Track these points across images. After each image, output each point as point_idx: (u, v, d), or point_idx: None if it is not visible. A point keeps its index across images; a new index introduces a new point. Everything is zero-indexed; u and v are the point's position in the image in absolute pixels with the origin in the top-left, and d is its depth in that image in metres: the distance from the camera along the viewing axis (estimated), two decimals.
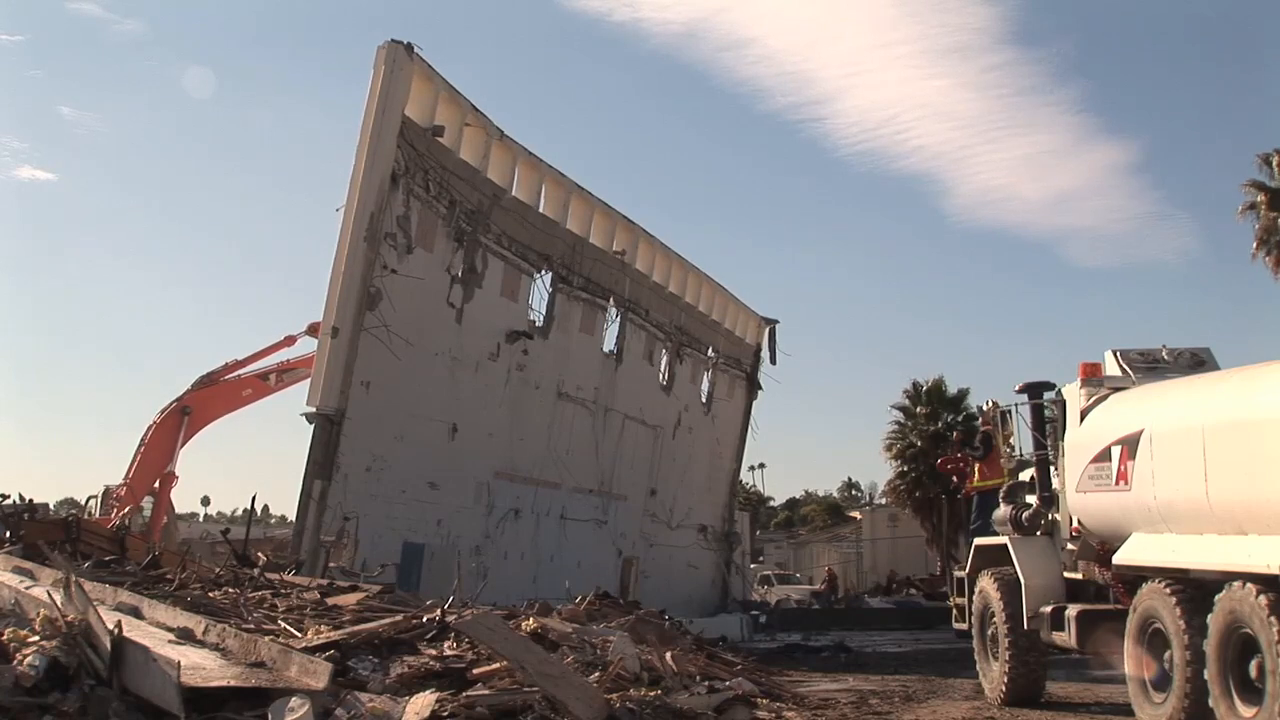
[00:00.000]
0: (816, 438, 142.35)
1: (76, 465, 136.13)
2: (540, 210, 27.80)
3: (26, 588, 9.42)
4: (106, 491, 29.24)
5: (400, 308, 21.83)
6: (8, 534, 15.14)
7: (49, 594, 8.36)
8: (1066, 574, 13.47)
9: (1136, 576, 11.47)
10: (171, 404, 29.12)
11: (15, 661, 7.29)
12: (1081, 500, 12.89)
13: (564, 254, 28.80)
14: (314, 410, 20.68)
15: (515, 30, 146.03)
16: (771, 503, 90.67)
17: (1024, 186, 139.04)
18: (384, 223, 21.52)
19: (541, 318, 28.39)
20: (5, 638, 7.71)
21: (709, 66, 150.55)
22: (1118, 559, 11.83)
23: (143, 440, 28.89)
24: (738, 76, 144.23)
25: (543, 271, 28.20)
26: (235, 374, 29.93)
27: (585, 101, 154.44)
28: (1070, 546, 13.38)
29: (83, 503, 30.15)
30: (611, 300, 31.35)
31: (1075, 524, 13.29)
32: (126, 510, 27.25)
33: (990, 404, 17.04)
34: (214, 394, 29.71)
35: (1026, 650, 13.73)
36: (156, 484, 29.18)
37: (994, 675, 14.32)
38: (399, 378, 22.22)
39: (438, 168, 23.43)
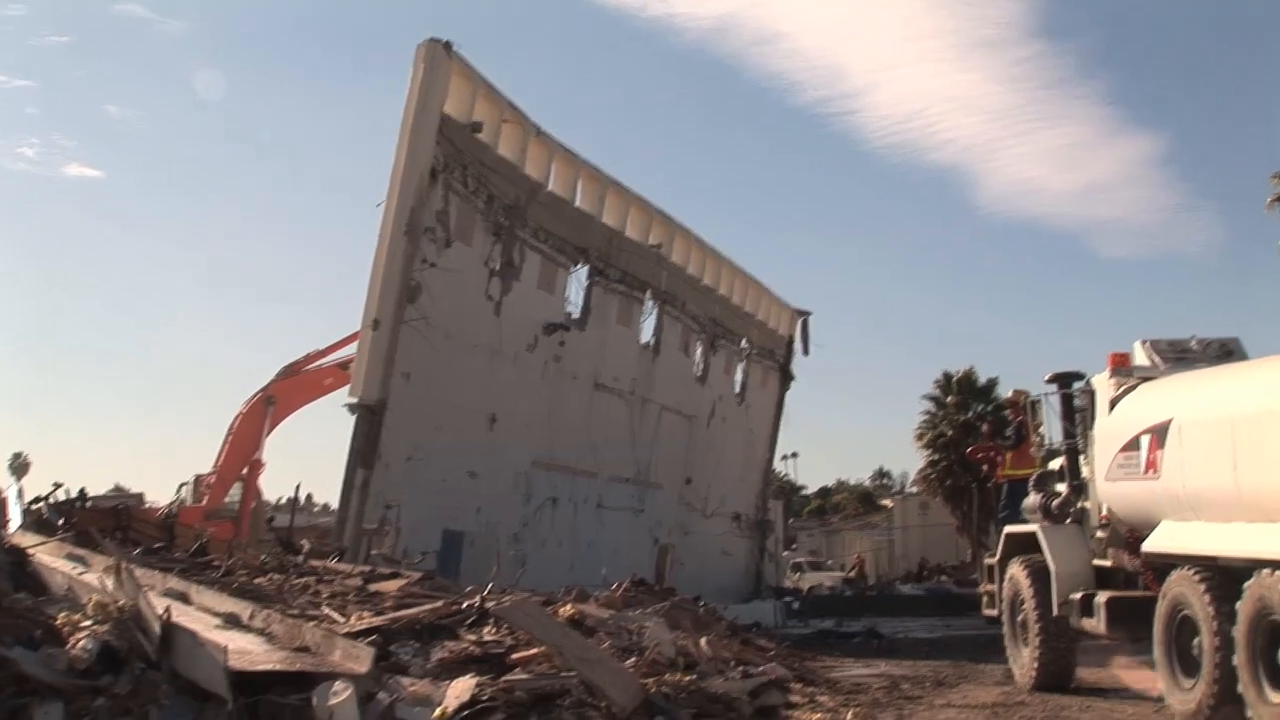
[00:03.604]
0: (848, 427, 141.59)
1: (122, 455, 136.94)
2: (577, 205, 27.96)
3: (79, 574, 9.41)
4: (197, 480, 29.97)
5: (440, 300, 22.04)
6: (60, 522, 15.37)
7: (100, 580, 8.36)
8: (1096, 561, 13.53)
9: (1165, 564, 11.52)
10: (257, 394, 29.72)
11: (69, 645, 7.29)
12: (1111, 488, 12.94)
13: (601, 247, 28.96)
14: (356, 401, 20.98)
15: (546, 27, 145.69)
16: (804, 491, 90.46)
17: (1053, 178, 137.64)
18: (423, 217, 21.73)
19: (579, 310, 28.55)
20: (59, 622, 7.69)
21: (740, 61, 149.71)
22: (1147, 546, 11.88)
23: (230, 429, 29.56)
24: (769, 70, 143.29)
25: (579, 264, 28.37)
26: (316, 364, 30.37)
27: (616, 97, 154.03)
28: (1099, 534, 13.45)
29: (175, 491, 30.79)
30: (649, 293, 31.50)
31: (1104, 512, 13.35)
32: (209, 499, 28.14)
33: (1015, 393, 17.10)
34: (297, 384, 30.19)
35: (1056, 636, 13.82)
36: (245, 470, 29.85)
37: (1024, 661, 14.41)
38: (438, 369, 22.46)
39: (476, 163, 23.61)
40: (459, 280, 22.97)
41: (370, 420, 20.74)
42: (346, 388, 22.37)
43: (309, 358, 30.43)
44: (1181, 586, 10.93)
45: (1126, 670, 14.45)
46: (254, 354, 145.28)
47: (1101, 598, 12.82)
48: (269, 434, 29.79)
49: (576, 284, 28.61)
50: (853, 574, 49.10)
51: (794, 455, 76.17)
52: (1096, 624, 12.86)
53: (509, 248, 25.12)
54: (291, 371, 30.23)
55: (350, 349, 30.04)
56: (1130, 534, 12.67)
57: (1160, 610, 11.30)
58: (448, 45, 22.00)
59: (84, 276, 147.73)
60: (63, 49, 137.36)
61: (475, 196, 23.79)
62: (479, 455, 24.21)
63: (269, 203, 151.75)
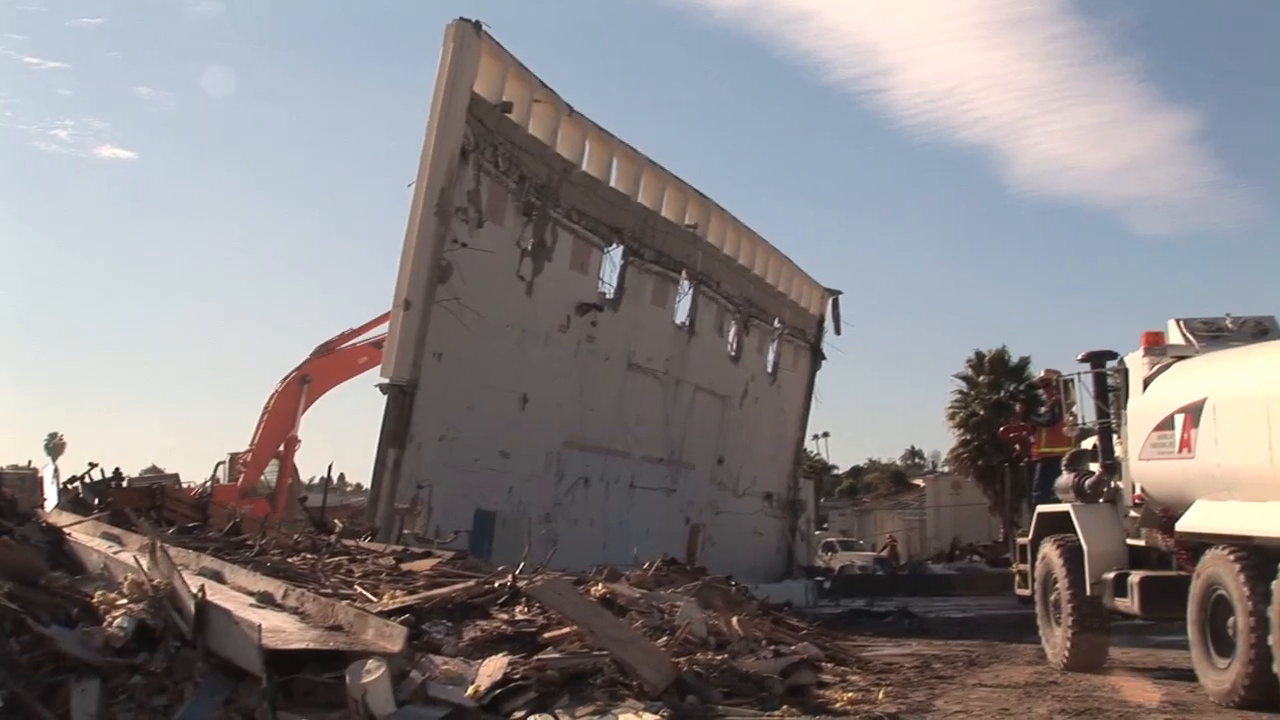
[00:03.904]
0: (880, 406, 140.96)
1: (156, 436, 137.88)
2: (611, 184, 27.89)
3: (115, 553, 9.53)
4: (233, 458, 30.30)
5: (471, 280, 22.06)
6: (96, 501, 15.50)
7: (136, 559, 8.42)
8: (1129, 541, 13.43)
9: (1200, 543, 11.42)
10: (292, 373, 30.06)
11: (105, 623, 7.44)
12: (1144, 468, 12.85)
13: (635, 227, 28.90)
14: (388, 381, 21.07)
15: (574, 6, 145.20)
16: (835, 471, 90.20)
17: (1086, 156, 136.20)
18: (454, 197, 21.75)
19: (612, 290, 28.53)
20: (95, 600, 7.85)
21: (771, 39, 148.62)
22: (1181, 526, 11.79)
23: (266, 408, 29.88)
24: (800, 49, 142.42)
25: (613, 245, 28.33)
26: (350, 343, 30.59)
27: (647, 75, 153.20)
28: (1133, 514, 13.36)
29: (211, 469, 31.21)
30: (683, 273, 31.43)
31: (1138, 491, 13.25)
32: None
33: (1047, 372, 17.00)
34: (331, 362, 30.48)
35: (1089, 616, 13.70)
36: (282, 448, 30.15)
37: (1057, 641, 14.33)
38: (470, 349, 22.50)
39: (507, 143, 23.59)
40: (490, 260, 22.99)
41: (401, 400, 20.84)
42: (379, 367, 22.49)
43: (343, 336, 30.68)
44: (1216, 566, 10.85)
45: (1160, 650, 14.38)
46: (287, 334, 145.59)
47: (1135, 577, 12.75)
48: (304, 412, 30.12)
49: (610, 264, 28.59)
50: (885, 553, 49.03)
51: (825, 435, 75.73)
52: (1130, 604, 12.77)
53: (541, 228, 25.11)
54: (326, 350, 30.49)
55: (384, 328, 30.29)
56: (1164, 513, 12.58)
57: (1194, 590, 11.22)
58: (477, 25, 21.98)
59: (117, 258, 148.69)
60: (95, 31, 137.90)
61: (506, 176, 23.78)
62: (511, 435, 24.27)
63: (301, 184, 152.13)
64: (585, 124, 26.54)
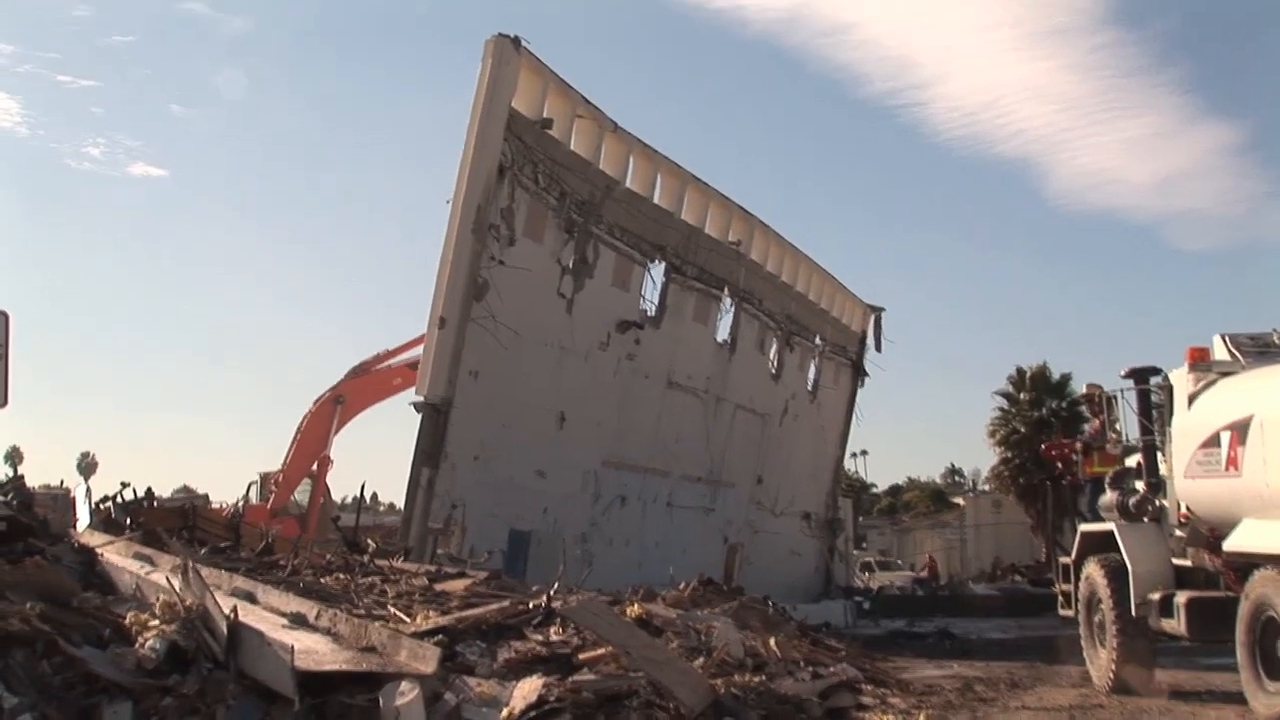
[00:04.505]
0: (919, 423, 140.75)
1: (189, 456, 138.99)
2: (655, 201, 27.71)
3: (146, 573, 9.57)
4: (265, 477, 30.37)
5: (508, 298, 21.92)
6: (128, 521, 15.55)
7: (168, 579, 8.45)
8: (1175, 560, 13.28)
9: (1248, 563, 11.27)
10: (326, 393, 30.12)
11: (137, 644, 7.43)
12: (1190, 486, 12.70)
13: (678, 244, 28.65)
14: (422, 399, 21.00)
15: (608, 18, 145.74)
16: (874, 489, 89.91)
17: (1128, 169, 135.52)
18: (490, 214, 21.65)
19: (654, 307, 28.36)
20: (127, 621, 7.85)
21: (808, 52, 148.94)
22: (1228, 545, 11.63)
23: (299, 428, 29.93)
24: (837, 62, 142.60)
25: (656, 261, 28.18)
26: (386, 364, 30.64)
27: (682, 88, 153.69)
28: (1179, 533, 13.21)
29: (244, 489, 31.34)
30: (726, 290, 31.22)
31: (1184, 510, 13.13)
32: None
33: (1089, 387, 16.82)
34: (366, 383, 30.55)
35: (1135, 638, 13.53)
36: (315, 466, 30.23)
37: (1101, 663, 14.15)
38: (507, 367, 22.37)
39: (547, 160, 23.41)
40: (529, 278, 22.83)
41: (436, 419, 20.74)
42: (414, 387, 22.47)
43: (379, 357, 30.74)
44: (1265, 587, 10.67)
45: (1208, 673, 14.16)
46: (320, 354, 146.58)
47: (1181, 598, 12.59)
48: (337, 433, 30.13)
49: (652, 281, 28.38)
50: (924, 574, 48.69)
51: (863, 453, 75.60)
52: (1176, 625, 12.62)
53: (582, 245, 24.94)
54: (361, 371, 30.56)
55: (420, 350, 30.32)
56: (1211, 532, 12.40)
57: (1243, 611, 11.05)
58: (516, 41, 21.83)
59: (150, 278, 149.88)
60: (127, 49, 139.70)
61: (547, 193, 23.60)
62: (547, 454, 24.15)
63: (336, 201, 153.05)
64: (629, 140, 26.34)
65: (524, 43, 22.04)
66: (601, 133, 25.24)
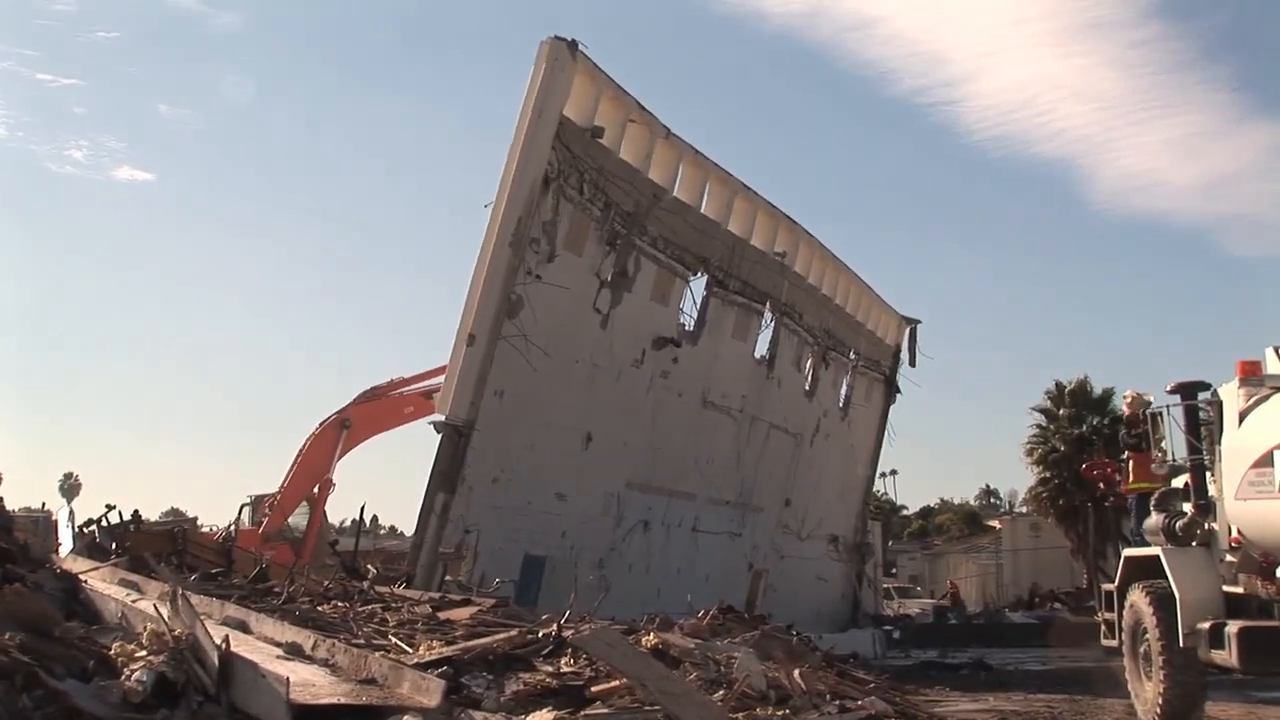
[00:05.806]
0: (952, 441, 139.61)
1: (174, 473, 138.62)
2: (702, 210, 27.15)
3: (133, 601, 9.48)
4: (257, 500, 30.02)
5: (542, 315, 21.39)
6: (113, 546, 15.34)
7: (156, 607, 8.32)
8: (1225, 588, 12.86)
9: None
10: (332, 416, 29.79)
11: (123, 677, 7.20)
12: (1242, 509, 12.34)
13: (723, 256, 28.11)
14: (443, 419, 20.51)
15: (631, 13, 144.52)
16: (904, 511, 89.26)
17: (1174, 171, 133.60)
18: (530, 227, 21.07)
19: (692, 322, 27.79)
20: (113, 652, 7.68)
21: (832, 48, 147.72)
22: None
23: (301, 451, 29.59)
24: (864, 58, 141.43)
25: (698, 274, 27.62)
26: (399, 391, 30.35)
27: (701, 84, 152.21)
28: (1230, 558, 12.83)
29: (235, 512, 31.05)
30: (768, 304, 30.64)
31: (1235, 534, 12.76)
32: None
33: (1133, 397, 16.34)
34: (376, 409, 30.25)
35: (1183, 670, 13.03)
36: (315, 489, 29.90)
37: (1147, 697, 13.67)
38: (534, 386, 21.86)
39: (594, 169, 22.87)
40: (564, 294, 22.30)
41: (456, 441, 20.28)
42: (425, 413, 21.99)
43: (392, 384, 30.46)
44: None
45: (1262, 706, 13.69)
46: (315, 370, 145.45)
47: (1233, 627, 12.14)
48: (340, 458, 29.67)
49: (692, 295, 27.83)
50: (944, 601, 48.05)
51: (893, 472, 74.83)
52: (1227, 656, 12.15)
53: (624, 257, 24.39)
54: (372, 396, 30.17)
55: (436, 380, 30.00)
56: (1264, 558, 12.07)
57: None
58: (573, 44, 21.13)
59: (135, 287, 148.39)
60: (112, 46, 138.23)
61: (591, 204, 23.09)
62: (570, 476, 23.73)
63: (331, 208, 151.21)
64: (681, 147, 25.69)
65: (581, 46, 21.41)
66: (653, 139, 24.62)
